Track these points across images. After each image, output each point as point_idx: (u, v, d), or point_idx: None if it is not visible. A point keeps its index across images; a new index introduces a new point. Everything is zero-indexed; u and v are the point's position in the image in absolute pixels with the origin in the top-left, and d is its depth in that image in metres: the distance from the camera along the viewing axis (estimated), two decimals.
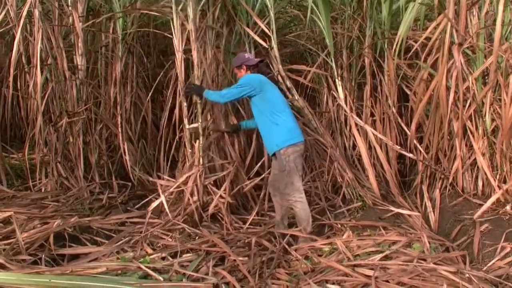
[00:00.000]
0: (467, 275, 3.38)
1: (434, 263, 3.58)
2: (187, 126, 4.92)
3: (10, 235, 4.01)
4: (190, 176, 4.81)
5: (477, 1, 4.86)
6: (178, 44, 4.82)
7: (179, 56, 4.83)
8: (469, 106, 4.86)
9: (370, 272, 3.50)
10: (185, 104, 4.87)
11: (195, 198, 4.76)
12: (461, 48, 4.70)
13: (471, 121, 4.88)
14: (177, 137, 5.48)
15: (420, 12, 5.20)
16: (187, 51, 4.93)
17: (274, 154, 4.48)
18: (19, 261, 3.63)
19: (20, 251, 3.77)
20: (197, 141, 4.88)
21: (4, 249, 3.75)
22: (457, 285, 3.23)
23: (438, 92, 4.76)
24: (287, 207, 4.57)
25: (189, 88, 4.84)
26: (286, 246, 4.15)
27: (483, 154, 4.81)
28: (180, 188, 4.87)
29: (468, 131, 4.88)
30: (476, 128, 4.87)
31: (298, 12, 6.22)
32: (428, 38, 4.96)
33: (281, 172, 4.43)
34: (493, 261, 3.84)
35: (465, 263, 3.73)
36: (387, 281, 3.36)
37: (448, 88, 4.76)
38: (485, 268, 3.78)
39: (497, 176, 4.73)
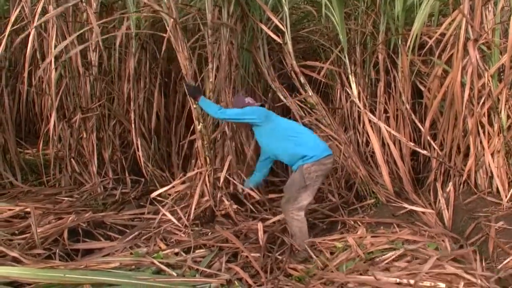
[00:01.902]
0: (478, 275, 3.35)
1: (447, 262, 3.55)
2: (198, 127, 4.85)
3: (25, 230, 4.05)
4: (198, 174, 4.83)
5: None
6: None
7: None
8: (484, 103, 4.81)
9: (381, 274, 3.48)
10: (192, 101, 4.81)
11: (206, 198, 4.78)
12: (476, 44, 4.65)
13: (486, 118, 4.83)
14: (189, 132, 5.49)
15: (435, 8, 5.16)
16: (202, 46, 4.93)
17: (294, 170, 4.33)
18: (33, 256, 3.66)
19: (35, 245, 3.80)
20: (202, 140, 4.85)
21: (19, 243, 3.79)
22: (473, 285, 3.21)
23: (453, 88, 4.72)
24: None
25: (188, 87, 4.70)
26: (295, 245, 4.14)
27: (498, 152, 4.76)
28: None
29: (482, 128, 4.84)
30: (491, 125, 4.82)
31: (311, 8, 6.20)
32: (442, 34, 4.92)
33: (294, 185, 4.25)
34: (508, 259, 3.80)
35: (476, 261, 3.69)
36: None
37: (463, 85, 4.72)
38: (500, 267, 3.74)
39: None
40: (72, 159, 5.52)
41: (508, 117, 4.78)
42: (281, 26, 5.20)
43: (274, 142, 4.33)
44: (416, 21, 4.86)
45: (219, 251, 3.96)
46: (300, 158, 4.18)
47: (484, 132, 4.85)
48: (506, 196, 4.62)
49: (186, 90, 4.78)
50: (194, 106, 4.75)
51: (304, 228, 4.23)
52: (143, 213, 4.89)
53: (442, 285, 3.19)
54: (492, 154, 4.80)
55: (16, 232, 4.03)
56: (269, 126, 4.32)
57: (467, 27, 4.66)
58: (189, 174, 5.03)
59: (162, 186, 5.18)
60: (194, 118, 4.84)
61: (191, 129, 5.40)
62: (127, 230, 4.51)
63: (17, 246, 3.75)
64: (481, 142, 4.89)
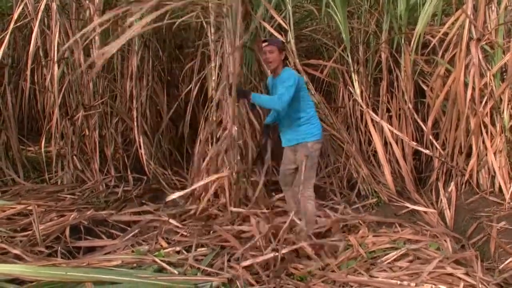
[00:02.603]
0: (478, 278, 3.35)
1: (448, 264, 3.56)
2: None
3: (27, 227, 4.05)
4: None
5: None
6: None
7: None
8: (487, 102, 4.81)
9: (383, 274, 3.49)
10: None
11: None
12: (479, 43, 4.65)
13: (488, 118, 4.83)
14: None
15: (438, 7, 5.15)
16: (205, 44, 4.92)
17: (294, 145, 4.31)
18: (35, 253, 3.67)
19: (37, 243, 3.80)
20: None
21: (21, 241, 3.80)
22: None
23: (456, 88, 4.71)
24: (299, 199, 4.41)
25: (238, 92, 4.35)
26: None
27: (500, 151, 4.76)
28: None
29: (485, 128, 4.83)
30: (494, 125, 4.82)
31: (313, 8, 6.18)
32: (445, 34, 4.91)
33: (304, 165, 4.19)
34: (509, 259, 3.80)
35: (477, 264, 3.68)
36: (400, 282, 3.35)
37: (465, 84, 4.71)
38: (501, 266, 3.74)
39: None
40: (74, 157, 5.52)
41: (510, 116, 4.77)
42: (284, 25, 5.19)
43: (289, 110, 4.21)
44: (420, 20, 4.86)
45: (221, 250, 3.96)
46: (305, 133, 4.23)
47: (486, 132, 4.84)
48: (508, 195, 4.61)
49: (237, 96, 4.39)
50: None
51: (314, 204, 4.34)
52: (145, 211, 4.89)
53: (443, 287, 3.19)
54: (494, 154, 4.79)
55: (18, 229, 4.04)
56: (297, 94, 4.17)
57: (470, 27, 4.65)
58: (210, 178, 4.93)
59: (166, 185, 5.17)
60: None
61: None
62: (129, 228, 4.50)
63: (19, 243, 3.75)
64: (483, 142, 4.88)
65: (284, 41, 4.49)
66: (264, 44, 4.25)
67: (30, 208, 4.33)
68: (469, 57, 4.71)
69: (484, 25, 4.80)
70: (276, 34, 5.22)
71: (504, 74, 4.89)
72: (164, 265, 3.50)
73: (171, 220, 4.50)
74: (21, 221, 4.18)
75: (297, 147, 4.29)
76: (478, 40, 4.67)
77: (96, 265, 3.47)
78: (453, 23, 4.78)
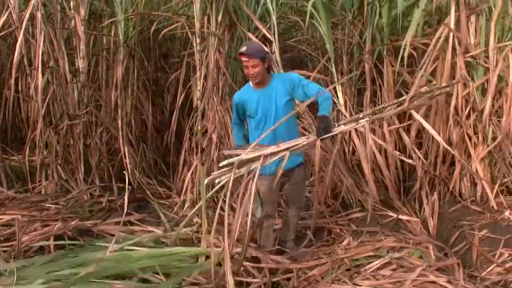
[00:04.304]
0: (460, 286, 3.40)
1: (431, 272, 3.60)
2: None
3: (10, 237, 4.03)
4: None
5: (474, 9, 4.88)
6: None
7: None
8: (470, 113, 4.89)
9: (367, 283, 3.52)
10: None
11: None
12: (464, 56, 4.74)
13: (472, 128, 4.90)
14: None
15: (420, 19, 5.23)
16: (190, 55, 4.94)
17: (296, 166, 4.11)
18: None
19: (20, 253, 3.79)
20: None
21: (5, 251, 3.77)
22: None
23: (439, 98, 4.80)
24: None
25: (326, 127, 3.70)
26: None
27: (482, 159, 4.83)
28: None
29: (468, 137, 4.91)
30: (476, 134, 4.90)
31: (298, 19, 6.24)
32: (427, 45, 4.99)
33: (303, 182, 4.23)
34: (491, 267, 3.86)
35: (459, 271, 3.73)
36: None
37: (449, 95, 4.80)
38: (483, 274, 3.79)
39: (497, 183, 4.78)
40: (58, 166, 5.49)
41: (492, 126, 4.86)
42: (269, 35, 5.24)
43: (291, 121, 3.98)
44: (410, 31, 4.92)
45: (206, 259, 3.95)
46: (300, 152, 4.07)
47: (470, 141, 4.91)
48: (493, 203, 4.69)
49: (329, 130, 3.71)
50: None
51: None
52: (129, 221, 4.88)
53: None
54: (476, 163, 4.86)
55: (2, 239, 4.01)
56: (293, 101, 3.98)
57: (454, 39, 4.74)
58: None
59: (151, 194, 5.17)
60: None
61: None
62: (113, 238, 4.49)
63: (1, 253, 3.73)
64: (465, 151, 4.95)
65: (263, 45, 4.23)
66: (243, 59, 3.80)
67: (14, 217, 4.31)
68: (446, 68, 4.79)
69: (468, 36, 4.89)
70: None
71: (486, 84, 4.96)
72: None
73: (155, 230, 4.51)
74: (4, 230, 4.16)
75: (296, 169, 4.08)
76: (465, 52, 4.76)
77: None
78: (438, 36, 4.85)
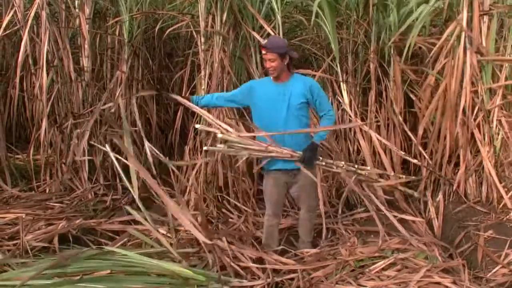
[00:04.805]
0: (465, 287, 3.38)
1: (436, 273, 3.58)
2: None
3: (15, 236, 4.03)
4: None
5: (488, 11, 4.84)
6: None
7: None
8: (477, 113, 4.87)
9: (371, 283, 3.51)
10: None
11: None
12: (475, 55, 4.71)
13: (477, 129, 4.88)
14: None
15: (427, 18, 5.21)
16: (195, 54, 4.94)
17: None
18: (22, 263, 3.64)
19: (26, 251, 3.79)
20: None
21: (8, 250, 3.77)
22: None
23: (446, 99, 4.78)
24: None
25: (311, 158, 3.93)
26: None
27: (489, 161, 4.81)
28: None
29: (473, 138, 4.89)
30: (483, 135, 4.87)
31: (302, 18, 6.22)
32: (433, 44, 4.97)
33: (312, 185, 4.14)
34: (496, 268, 3.83)
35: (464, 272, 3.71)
36: None
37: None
38: (489, 275, 3.77)
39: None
40: (62, 165, 5.49)
41: (499, 127, 4.84)
42: (274, 34, 5.22)
43: (304, 126, 4.02)
44: (414, 29, 4.90)
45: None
46: None
47: (476, 142, 4.89)
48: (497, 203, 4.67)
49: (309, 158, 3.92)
50: None
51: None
52: (133, 220, 4.87)
53: None
54: (482, 163, 4.84)
55: (6, 237, 4.02)
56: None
57: (465, 38, 4.71)
58: None
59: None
60: None
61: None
62: (118, 237, 4.49)
63: (6, 252, 3.73)
64: (471, 152, 4.93)
65: (286, 41, 4.18)
66: (263, 51, 3.90)
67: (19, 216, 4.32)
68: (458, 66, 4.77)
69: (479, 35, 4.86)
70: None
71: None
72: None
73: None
74: (9, 229, 4.16)
75: (302, 171, 4.00)
76: (477, 52, 4.73)
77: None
78: (448, 35, 4.82)
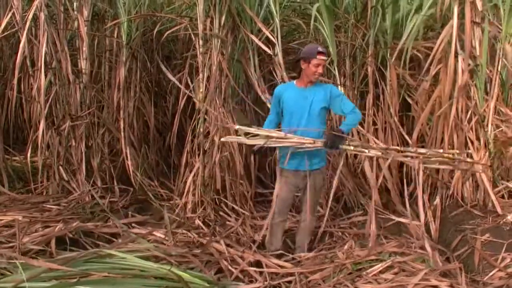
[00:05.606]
0: None
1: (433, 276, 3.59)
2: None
3: (12, 239, 4.02)
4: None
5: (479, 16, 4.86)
6: None
7: None
8: (471, 117, 4.88)
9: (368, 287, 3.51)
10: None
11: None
12: (466, 60, 4.72)
13: (473, 131, 4.89)
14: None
15: (421, 24, 5.22)
16: (193, 56, 4.94)
17: (316, 169, 4.19)
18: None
19: (23, 253, 3.77)
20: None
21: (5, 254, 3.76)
22: None
23: (441, 102, 4.79)
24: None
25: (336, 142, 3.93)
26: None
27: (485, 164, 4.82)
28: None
29: (470, 141, 4.90)
30: (478, 139, 4.88)
31: (300, 21, 6.24)
32: (430, 48, 4.98)
33: (320, 190, 4.31)
34: (493, 271, 3.84)
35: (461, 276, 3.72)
36: None
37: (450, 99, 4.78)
38: (485, 279, 3.78)
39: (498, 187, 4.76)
40: (60, 167, 5.49)
41: (494, 129, 4.85)
42: (272, 38, 5.24)
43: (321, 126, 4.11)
44: (409, 37, 4.91)
45: (206, 264, 3.94)
46: (325, 156, 4.31)
47: (473, 145, 4.90)
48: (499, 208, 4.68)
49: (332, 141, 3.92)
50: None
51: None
52: (131, 222, 4.88)
53: None
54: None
55: (3, 240, 4.01)
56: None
57: (456, 43, 4.72)
58: None
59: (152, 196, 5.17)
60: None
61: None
62: (115, 240, 4.48)
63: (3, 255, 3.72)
64: (467, 155, 4.94)
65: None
66: (323, 58, 3.97)
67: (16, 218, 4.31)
68: (449, 72, 4.78)
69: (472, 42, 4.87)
70: (263, 47, 5.26)
71: (487, 87, 4.95)
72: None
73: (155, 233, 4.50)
74: (6, 231, 4.15)
75: (315, 173, 4.17)
76: (467, 57, 4.74)
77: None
78: (442, 40, 4.84)
